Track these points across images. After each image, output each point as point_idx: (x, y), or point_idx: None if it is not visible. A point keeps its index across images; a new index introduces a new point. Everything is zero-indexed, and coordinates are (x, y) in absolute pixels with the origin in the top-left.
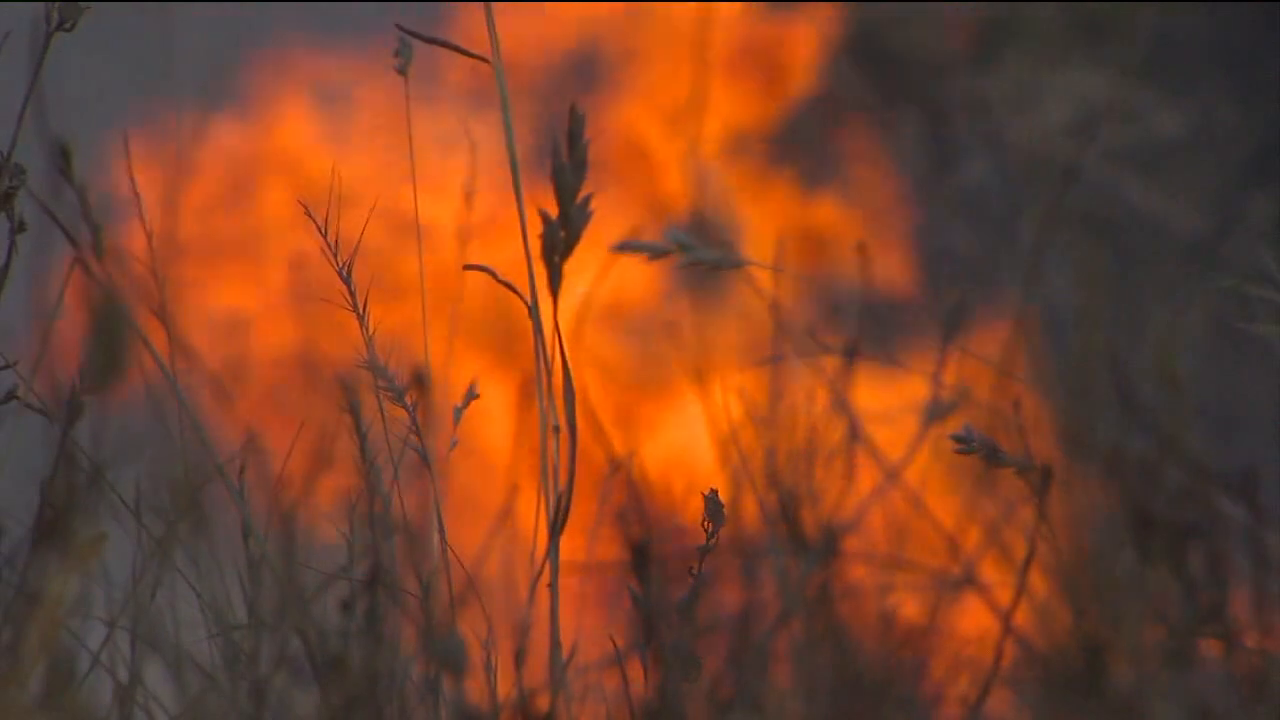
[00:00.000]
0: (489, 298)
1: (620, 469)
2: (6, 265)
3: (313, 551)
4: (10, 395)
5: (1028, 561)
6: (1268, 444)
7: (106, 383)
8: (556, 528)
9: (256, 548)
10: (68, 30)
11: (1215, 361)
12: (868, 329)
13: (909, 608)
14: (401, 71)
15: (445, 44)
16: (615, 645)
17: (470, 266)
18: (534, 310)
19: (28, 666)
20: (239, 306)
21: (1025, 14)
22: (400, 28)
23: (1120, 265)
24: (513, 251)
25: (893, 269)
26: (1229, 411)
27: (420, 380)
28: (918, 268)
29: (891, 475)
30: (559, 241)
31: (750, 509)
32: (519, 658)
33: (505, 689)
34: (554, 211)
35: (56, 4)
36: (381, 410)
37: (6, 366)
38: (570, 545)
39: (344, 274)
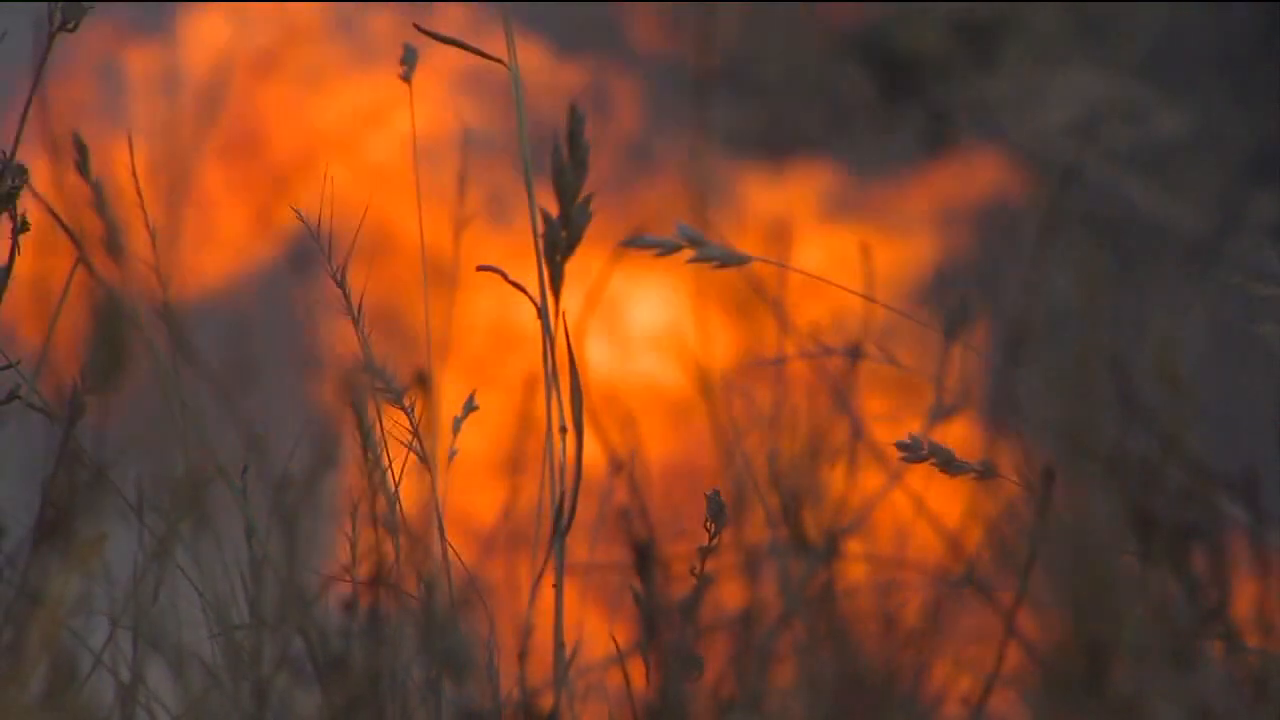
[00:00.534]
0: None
1: (623, 469)
2: (9, 265)
3: (315, 551)
4: (12, 395)
5: (1029, 562)
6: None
7: (108, 382)
8: (561, 528)
9: (259, 547)
10: (70, 30)
11: (1216, 361)
12: (871, 329)
13: (911, 608)
14: (406, 79)
15: (462, 45)
16: (618, 645)
17: (483, 268)
18: (542, 310)
19: (29, 666)
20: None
21: (1026, 14)
22: (419, 28)
23: (1121, 265)
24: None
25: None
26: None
27: (421, 382)
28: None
29: (894, 476)
30: (560, 241)
31: (753, 509)
32: (521, 658)
33: (508, 689)
34: (555, 211)
35: (59, 4)
36: (379, 411)
37: (9, 366)
38: (573, 545)
39: (338, 278)
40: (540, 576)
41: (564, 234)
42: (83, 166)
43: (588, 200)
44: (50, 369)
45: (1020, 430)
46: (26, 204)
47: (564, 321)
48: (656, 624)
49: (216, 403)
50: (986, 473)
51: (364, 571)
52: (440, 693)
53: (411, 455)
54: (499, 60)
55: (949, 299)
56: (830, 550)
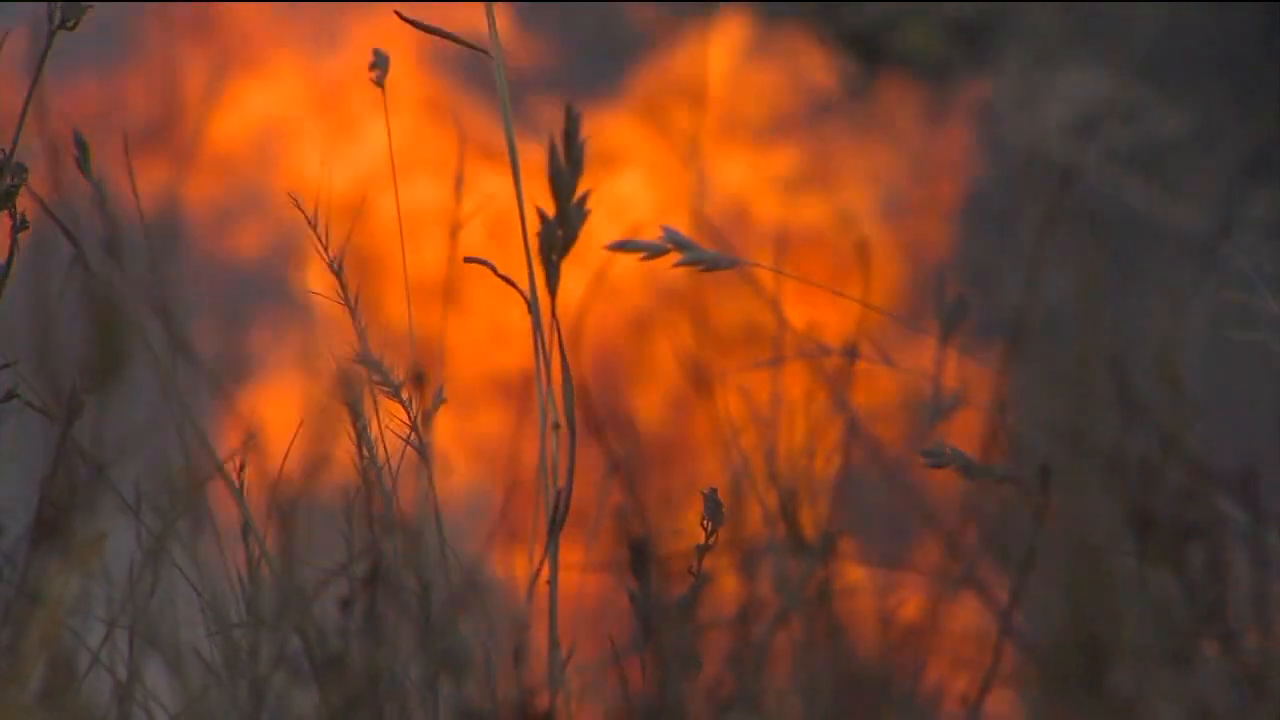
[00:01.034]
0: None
1: (619, 467)
2: (8, 264)
3: (312, 550)
4: (10, 394)
5: (1027, 561)
6: (1268, 444)
7: (106, 381)
8: (556, 526)
9: (256, 546)
10: (69, 29)
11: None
12: (867, 328)
13: (908, 607)
14: (378, 83)
15: (446, 34)
16: (614, 644)
17: (470, 259)
18: (533, 306)
19: (28, 665)
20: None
21: (1025, 14)
22: (400, 15)
23: (1120, 265)
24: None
25: (893, 268)
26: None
27: (418, 377)
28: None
29: (891, 475)
30: (556, 240)
31: (750, 508)
32: (518, 656)
33: (504, 688)
34: (551, 210)
35: (58, 3)
36: (377, 407)
37: (7, 365)
38: (569, 544)
39: (335, 268)
40: (537, 575)
41: (560, 233)
42: (83, 164)
43: (584, 199)
44: (48, 368)
45: (1019, 429)
46: (25, 203)
47: (556, 318)
48: (653, 623)
49: (213, 400)
50: (1008, 478)
51: (361, 569)
52: (438, 692)
53: (408, 452)
54: (483, 50)
55: (945, 296)
56: (827, 549)
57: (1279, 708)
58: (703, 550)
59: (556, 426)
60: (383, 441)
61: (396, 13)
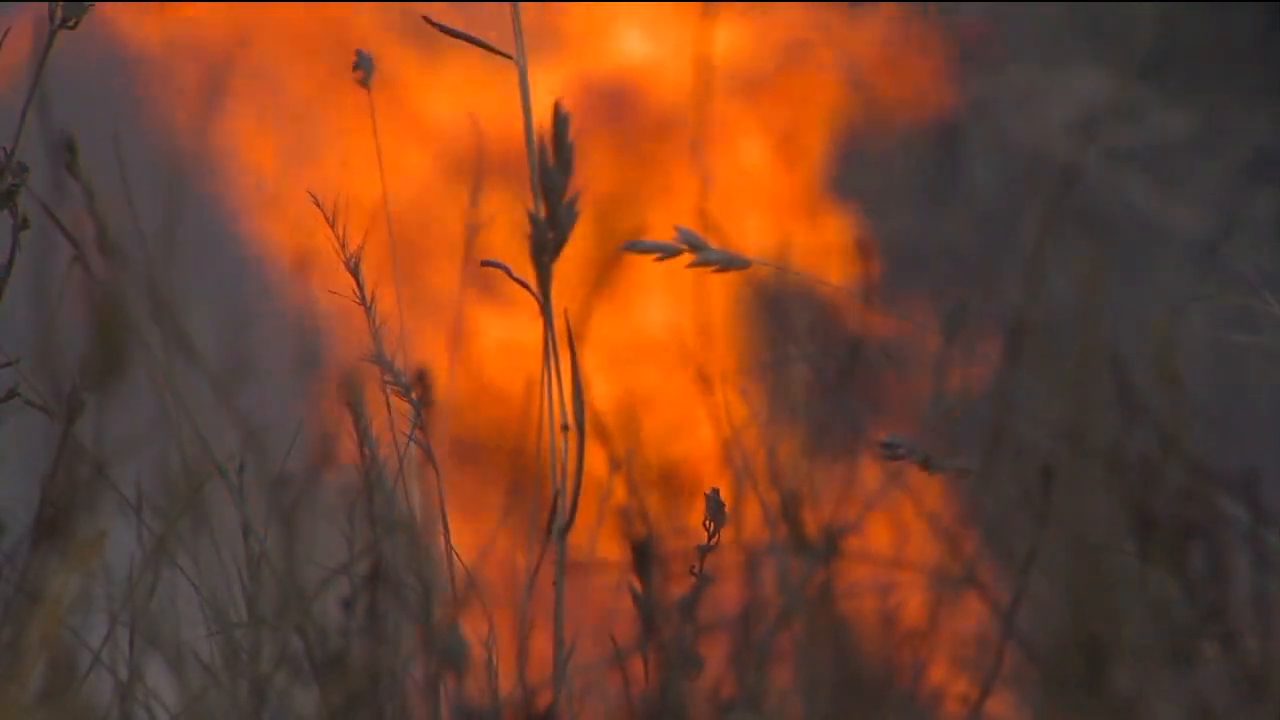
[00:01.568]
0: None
1: (622, 467)
2: (9, 263)
3: (313, 549)
4: (11, 392)
5: (1028, 561)
6: (1268, 444)
7: (107, 380)
8: (562, 526)
9: (257, 545)
10: (70, 28)
11: (1216, 361)
12: (870, 328)
13: (909, 607)
14: (364, 85)
15: (470, 39)
16: (616, 644)
17: (486, 263)
18: (545, 307)
19: (28, 664)
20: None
21: (1028, 14)
22: (428, 20)
23: (1121, 265)
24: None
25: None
26: (1230, 411)
27: (424, 377)
28: (920, 267)
29: (893, 475)
30: (547, 242)
31: (752, 508)
32: (520, 656)
33: (506, 687)
34: (542, 212)
35: (59, 2)
36: (388, 405)
37: (8, 364)
38: (572, 543)
39: (352, 266)
40: (538, 574)
41: (550, 235)
42: (73, 167)
43: (574, 201)
44: (49, 367)
45: (1019, 429)
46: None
47: (566, 320)
48: (655, 623)
49: (214, 399)
50: (966, 471)
51: (363, 569)
52: (439, 691)
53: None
54: (506, 55)
55: (947, 297)
56: (829, 549)
57: (1279, 708)
58: (705, 550)
59: (565, 428)
60: (393, 437)
61: (424, 18)
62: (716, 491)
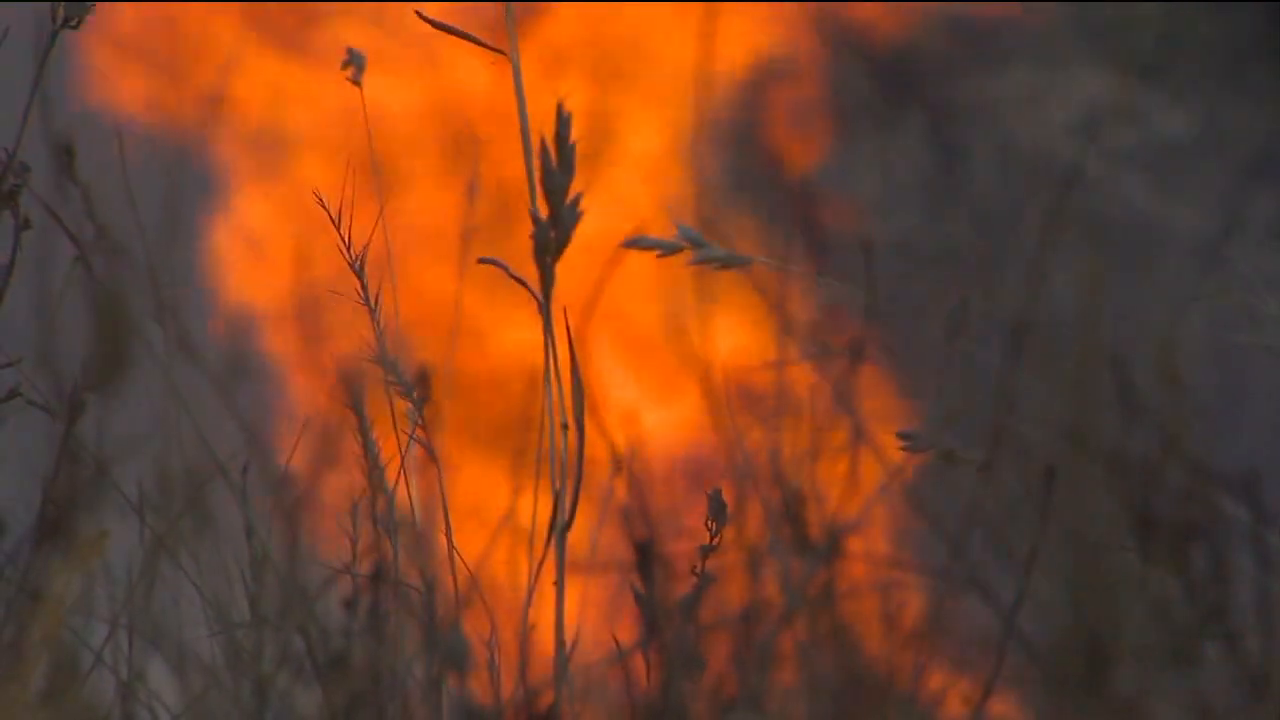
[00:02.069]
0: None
1: (624, 467)
2: (11, 263)
3: (316, 549)
4: (13, 392)
5: (1029, 561)
6: (1269, 444)
7: (109, 380)
8: (563, 526)
9: (259, 545)
10: (72, 28)
11: (1217, 361)
12: (872, 328)
13: (912, 607)
14: (355, 82)
15: (464, 35)
16: (618, 644)
17: (484, 260)
18: (545, 306)
19: (30, 664)
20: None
21: (1028, 14)
22: (420, 15)
23: (1122, 266)
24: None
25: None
26: (1231, 411)
27: (426, 377)
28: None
29: (895, 475)
30: (549, 242)
31: (754, 508)
32: (522, 656)
33: (508, 687)
34: (544, 212)
35: (61, 2)
36: (391, 406)
37: (10, 364)
38: (574, 544)
39: (356, 268)
40: (540, 574)
41: (553, 235)
42: (70, 170)
43: (576, 201)
44: (50, 366)
45: (1021, 429)
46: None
47: (566, 319)
48: (657, 623)
49: (216, 399)
50: (985, 467)
51: (365, 569)
52: (441, 691)
53: (415, 451)
54: (500, 51)
55: (948, 296)
56: (831, 549)
57: None
58: (707, 551)
59: (565, 427)
60: (396, 438)
61: (417, 13)
62: (719, 491)
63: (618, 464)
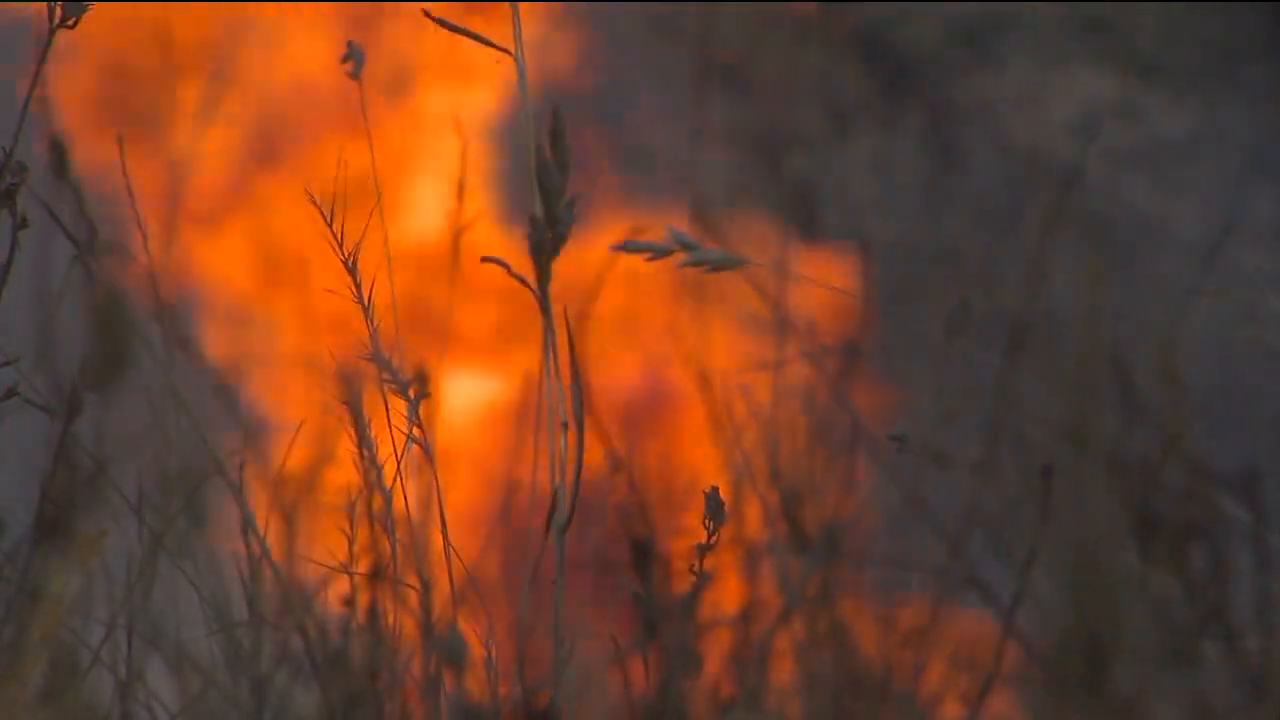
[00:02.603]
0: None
1: (622, 467)
2: (8, 262)
3: (313, 548)
4: (11, 391)
5: (1029, 561)
6: (1269, 444)
7: (107, 379)
8: (562, 525)
9: (257, 544)
10: (70, 28)
11: (1217, 361)
12: (869, 328)
13: (910, 607)
14: (354, 76)
15: (469, 34)
16: (616, 643)
17: (487, 259)
18: (545, 305)
19: (29, 663)
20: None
21: (1028, 13)
22: (428, 15)
23: (1122, 265)
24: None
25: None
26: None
27: (423, 375)
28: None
29: (892, 474)
30: (546, 242)
31: (752, 507)
32: (520, 655)
33: (506, 686)
34: (540, 212)
35: (59, 2)
36: (386, 404)
37: (8, 363)
38: (572, 542)
39: (349, 265)
40: (538, 573)
41: (549, 234)
42: (62, 170)
43: (573, 201)
44: (49, 366)
45: (1020, 429)
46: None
47: (566, 318)
48: (655, 622)
49: (214, 398)
50: (979, 468)
51: (362, 568)
52: (439, 690)
53: (413, 449)
54: (504, 50)
55: (948, 296)
56: (829, 549)
57: None
58: (705, 549)
59: (564, 425)
60: (390, 437)
61: (425, 13)
62: (716, 490)
63: (616, 463)
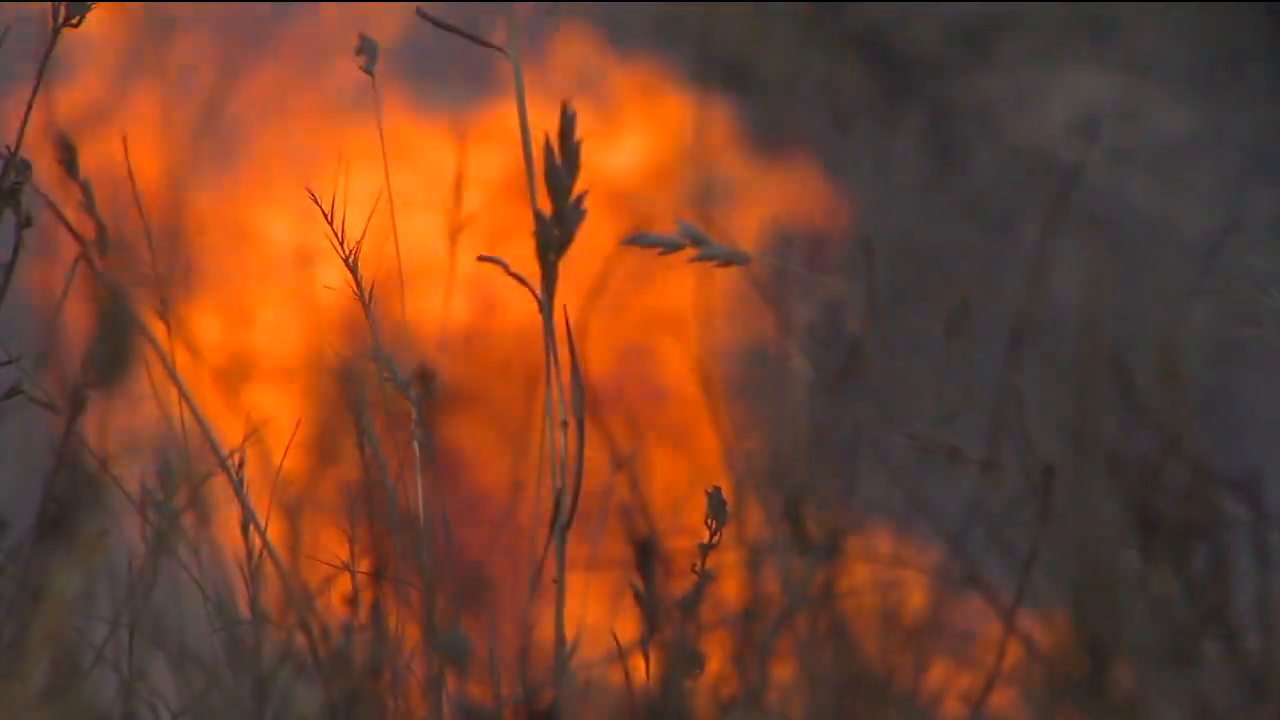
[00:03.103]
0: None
1: (625, 465)
2: (13, 260)
3: (316, 547)
4: (15, 389)
5: (1030, 560)
6: (1270, 443)
7: (111, 377)
8: (563, 524)
9: (259, 542)
10: (74, 27)
11: (1218, 360)
12: (869, 328)
13: (911, 606)
14: (368, 71)
15: (463, 33)
16: (618, 641)
17: (484, 258)
18: (545, 305)
19: (31, 662)
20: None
21: (1028, 13)
22: (421, 13)
23: (1123, 264)
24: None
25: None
26: (1232, 410)
27: (424, 373)
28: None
29: (895, 474)
30: (553, 240)
31: (754, 507)
32: (522, 654)
33: (508, 685)
34: (547, 209)
35: (62, 1)
36: (386, 403)
37: (11, 361)
38: (574, 541)
39: (350, 263)
40: (540, 572)
41: (556, 233)
42: (71, 167)
43: (580, 199)
44: (52, 364)
45: (1022, 428)
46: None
47: (566, 317)
48: (657, 620)
49: (217, 396)
50: (989, 466)
51: (364, 567)
52: (441, 689)
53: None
54: (500, 50)
55: (949, 296)
56: (831, 548)
57: None
58: (707, 548)
59: (564, 424)
60: (393, 435)
61: (419, 12)
62: (718, 489)
63: (618, 461)
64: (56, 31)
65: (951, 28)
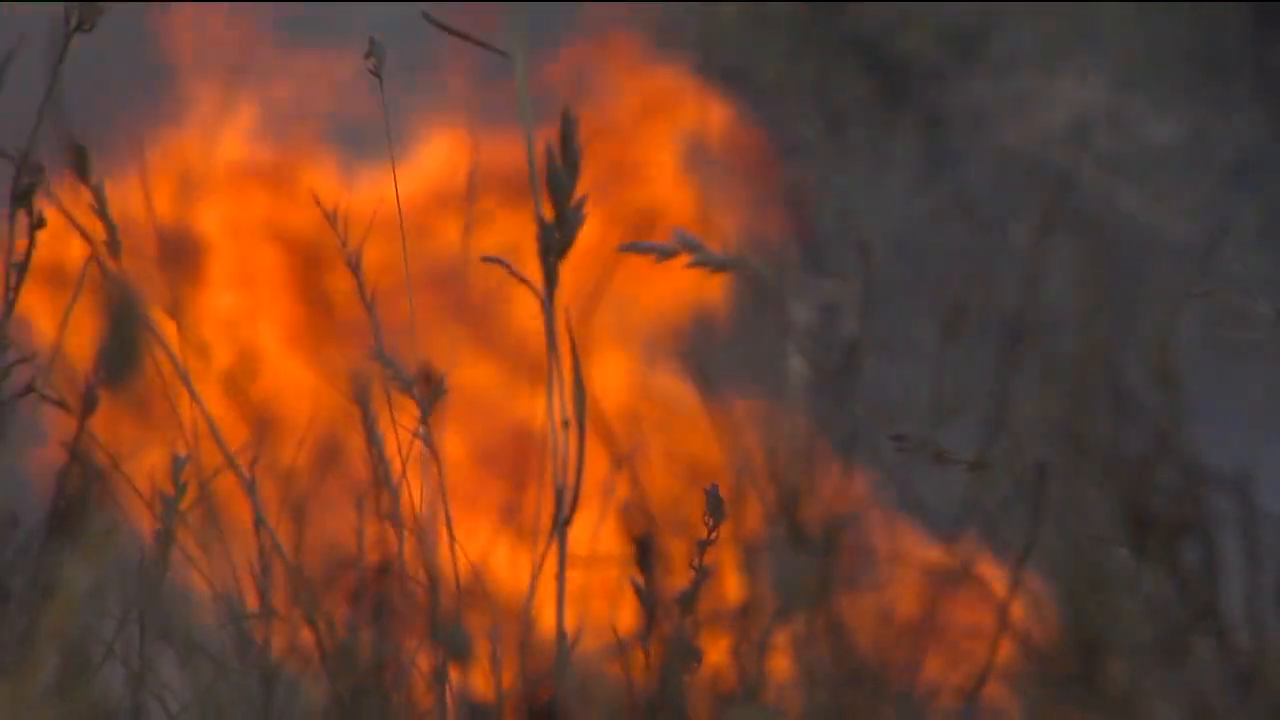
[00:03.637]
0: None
1: (624, 463)
2: (26, 261)
3: (322, 543)
4: (28, 387)
5: (1024, 557)
6: (1261, 442)
7: (121, 376)
8: (563, 521)
9: (267, 538)
10: (86, 30)
11: (1209, 361)
12: (868, 328)
13: (907, 602)
14: (376, 73)
15: (467, 36)
16: (618, 636)
17: (487, 259)
18: (548, 304)
19: (41, 655)
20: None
21: (1021, 21)
22: (427, 17)
23: (1114, 268)
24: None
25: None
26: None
27: (428, 373)
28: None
29: (890, 471)
30: (554, 242)
31: (752, 504)
32: (523, 648)
33: (510, 679)
34: (549, 213)
35: (75, 4)
36: (390, 402)
37: (24, 360)
38: (574, 537)
39: (353, 263)
40: (542, 568)
41: (557, 236)
42: (82, 170)
43: (581, 202)
44: (65, 362)
45: (1016, 427)
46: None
47: (567, 317)
48: (656, 616)
49: (226, 395)
50: (978, 466)
51: (370, 563)
52: (444, 682)
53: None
54: (504, 54)
55: (945, 298)
56: (828, 544)
57: (1272, 704)
58: (705, 545)
59: (565, 423)
60: (396, 434)
61: (424, 14)
62: (716, 487)
63: (618, 459)
64: (69, 35)
65: (945, 34)
